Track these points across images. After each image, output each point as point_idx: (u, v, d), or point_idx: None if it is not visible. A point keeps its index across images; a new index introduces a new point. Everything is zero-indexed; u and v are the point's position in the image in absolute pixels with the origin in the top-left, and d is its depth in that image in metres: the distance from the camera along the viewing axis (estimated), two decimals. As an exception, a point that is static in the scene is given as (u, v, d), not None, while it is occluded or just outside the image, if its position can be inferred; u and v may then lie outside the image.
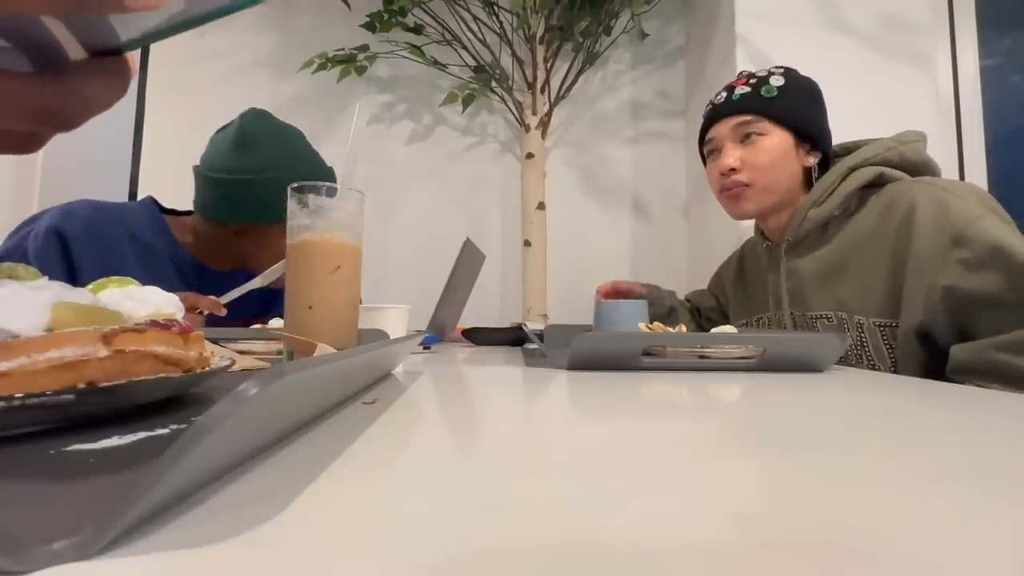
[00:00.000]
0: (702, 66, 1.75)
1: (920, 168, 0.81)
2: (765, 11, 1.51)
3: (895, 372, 0.75)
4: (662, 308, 1.14)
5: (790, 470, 0.21)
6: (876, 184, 0.80)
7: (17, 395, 0.22)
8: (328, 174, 0.95)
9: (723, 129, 0.89)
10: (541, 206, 1.70)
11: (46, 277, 0.28)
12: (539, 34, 1.67)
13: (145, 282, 0.96)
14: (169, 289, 0.98)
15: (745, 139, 0.86)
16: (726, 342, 0.60)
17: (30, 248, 0.80)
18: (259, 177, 0.86)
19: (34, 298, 0.25)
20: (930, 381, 0.51)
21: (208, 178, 0.87)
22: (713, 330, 0.64)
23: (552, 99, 1.74)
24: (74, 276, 0.81)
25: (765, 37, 1.50)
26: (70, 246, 0.80)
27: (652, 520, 0.16)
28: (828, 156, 0.87)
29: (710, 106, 0.93)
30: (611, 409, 0.36)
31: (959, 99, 1.60)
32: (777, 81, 0.86)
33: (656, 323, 0.67)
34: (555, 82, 1.74)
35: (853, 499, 0.18)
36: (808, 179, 0.87)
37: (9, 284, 0.25)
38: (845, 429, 0.30)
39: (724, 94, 0.90)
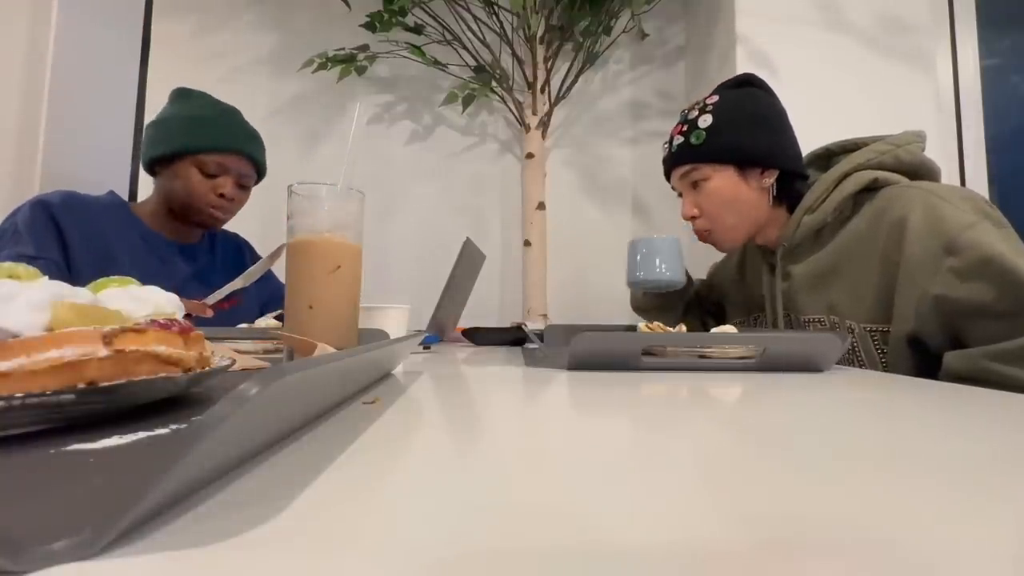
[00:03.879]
0: (702, 66, 1.75)
1: (917, 170, 0.80)
2: (765, 11, 1.50)
3: None
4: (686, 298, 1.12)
5: (790, 470, 0.21)
6: (871, 189, 0.79)
7: (17, 395, 0.22)
8: (253, 137, 1.03)
9: (675, 179, 0.91)
10: (541, 206, 1.70)
11: (46, 277, 0.28)
12: (539, 34, 1.67)
13: (126, 256, 1.02)
14: (145, 264, 1.03)
15: (695, 185, 0.87)
16: (726, 342, 0.60)
17: (19, 222, 0.88)
18: (180, 114, 0.98)
19: (34, 298, 0.25)
20: (932, 381, 0.51)
21: (146, 128, 1.01)
22: (713, 330, 0.64)
23: (552, 99, 1.73)
24: (63, 240, 0.89)
25: (765, 37, 1.49)
26: (53, 211, 0.89)
27: (652, 520, 0.16)
28: (789, 169, 0.84)
29: (663, 157, 0.94)
30: (611, 409, 0.36)
31: (959, 99, 1.60)
32: (705, 121, 0.84)
33: (656, 323, 0.67)
34: (555, 82, 1.74)
35: (854, 499, 0.18)
36: (780, 194, 0.85)
37: (9, 284, 0.25)
38: (846, 429, 0.30)
39: (666, 145, 0.92)
